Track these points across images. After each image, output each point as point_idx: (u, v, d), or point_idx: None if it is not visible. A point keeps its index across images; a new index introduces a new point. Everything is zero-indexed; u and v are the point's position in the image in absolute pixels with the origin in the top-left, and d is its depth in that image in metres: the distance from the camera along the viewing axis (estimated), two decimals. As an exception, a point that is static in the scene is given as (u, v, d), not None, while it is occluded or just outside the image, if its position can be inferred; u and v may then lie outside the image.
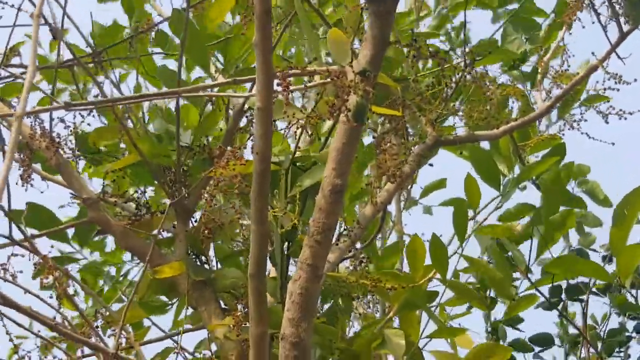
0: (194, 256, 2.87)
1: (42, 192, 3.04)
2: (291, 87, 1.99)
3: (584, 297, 3.91)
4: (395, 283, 2.82)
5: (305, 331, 2.26)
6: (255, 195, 2.15)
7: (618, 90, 3.04)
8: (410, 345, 2.82)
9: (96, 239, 3.34)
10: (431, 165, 4.29)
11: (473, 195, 2.96)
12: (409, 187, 4.27)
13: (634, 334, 4.12)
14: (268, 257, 2.84)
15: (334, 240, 2.42)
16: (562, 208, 3.13)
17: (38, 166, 3.18)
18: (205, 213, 2.52)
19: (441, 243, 2.78)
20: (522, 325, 3.99)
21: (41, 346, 2.60)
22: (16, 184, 2.89)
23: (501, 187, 3.18)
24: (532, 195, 3.83)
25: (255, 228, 2.18)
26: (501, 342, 3.88)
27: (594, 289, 3.99)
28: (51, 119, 2.92)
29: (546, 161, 3.15)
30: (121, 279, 3.47)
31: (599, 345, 3.89)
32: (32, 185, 2.88)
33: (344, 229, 2.48)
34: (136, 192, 2.96)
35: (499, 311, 3.90)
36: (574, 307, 4.16)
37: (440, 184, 4.22)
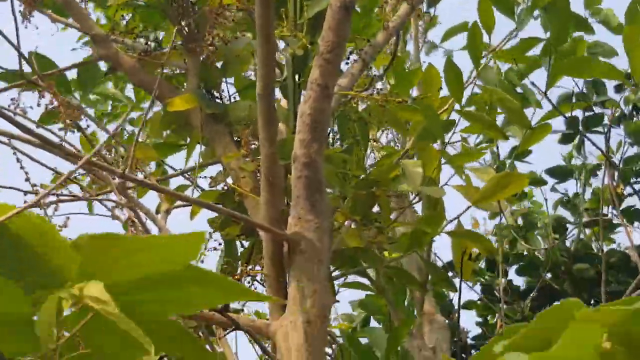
0: (205, 91, 2.84)
1: (52, 35, 3.00)
2: None
3: (599, 128, 3.86)
4: (411, 115, 2.79)
5: (316, 152, 2.24)
6: (259, 10, 2.10)
7: None
8: (426, 176, 2.81)
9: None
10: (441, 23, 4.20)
11: (487, 19, 2.89)
12: (427, 28, 4.20)
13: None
14: (279, 89, 2.83)
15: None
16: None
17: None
18: (210, 44, 2.47)
19: (456, 67, 2.73)
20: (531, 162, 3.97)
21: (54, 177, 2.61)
22: (25, 27, 2.87)
23: (515, 16, 3.11)
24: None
25: (261, 46, 2.14)
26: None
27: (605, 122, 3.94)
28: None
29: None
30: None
31: (616, 174, 3.86)
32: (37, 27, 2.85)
33: (355, 49, 2.42)
34: (146, 28, 2.91)
35: (507, 149, 3.89)
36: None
37: (463, 27, 4.13)
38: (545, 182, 4.12)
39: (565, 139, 3.97)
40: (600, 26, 3.65)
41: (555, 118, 3.29)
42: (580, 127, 3.83)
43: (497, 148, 3.73)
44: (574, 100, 3.83)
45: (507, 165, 3.73)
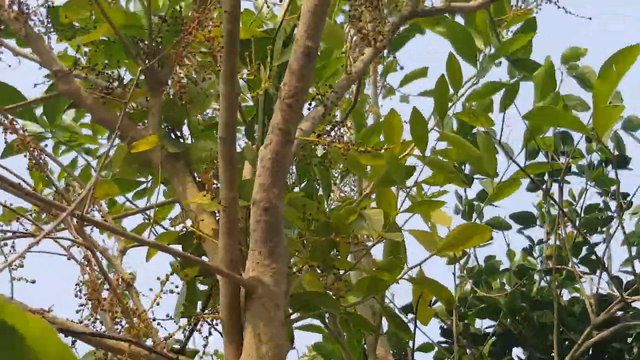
0: (167, 130, 2.83)
1: (10, 66, 2.97)
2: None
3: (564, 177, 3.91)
4: (372, 160, 2.80)
5: (276, 197, 2.23)
6: (225, 55, 2.10)
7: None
8: (387, 221, 2.81)
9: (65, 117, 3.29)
10: (402, 68, 4.26)
11: (455, 74, 2.92)
12: (385, 72, 4.24)
13: (615, 214, 4.14)
14: (244, 131, 2.83)
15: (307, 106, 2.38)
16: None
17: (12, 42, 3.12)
18: (179, 81, 2.47)
19: (422, 117, 2.75)
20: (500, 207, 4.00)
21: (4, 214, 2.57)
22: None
23: (477, 64, 3.15)
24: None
25: (225, 89, 2.14)
26: (477, 221, 3.90)
27: (573, 169, 4.00)
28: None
29: (521, 38, 3.12)
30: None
31: (577, 221, 3.90)
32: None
33: (317, 94, 2.43)
34: (107, 65, 2.89)
35: (473, 192, 3.91)
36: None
37: (422, 73, 4.18)
38: (509, 227, 4.16)
39: (532, 188, 4.02)
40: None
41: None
42: (546, 177, 3.87)
43: (465, 190, 3.76)
44: (540, 154, 3.89)
45: (474, 208, 3.76)
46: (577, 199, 4.24)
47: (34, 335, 0.73)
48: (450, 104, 3.12)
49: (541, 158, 3.96)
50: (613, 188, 4.40)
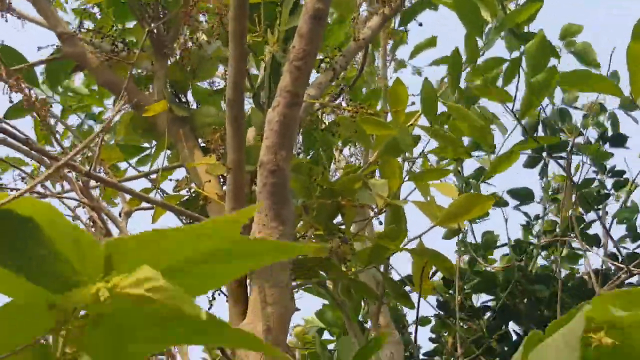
0: (173, 95, 2.82)
1: (18, 31, 2.96)
2: None
3: (564, 154, 3.91)
4: (377, 130, 2.79)
5: (283, 159, 2.23)
6: (234, 16, 2.09)
7: None
8: (391, 191, 2.82)
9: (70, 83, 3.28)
10: (420, 24, 4.25)
11: (472, 50, 2.92)
12: (395, 46, 4.23)
13: (612, 191, 4.15)
14: (252, 98, 2.82)
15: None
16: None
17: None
18: (185, 45, 2.46)
19: (432, 86, 2.75)
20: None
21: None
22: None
23: (483, 36, 3.14)
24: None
25: (234, 51, 2.13)
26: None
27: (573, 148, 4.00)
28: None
29: (527, 8, 3.11)
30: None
31: (573, 197, 3.91)
32: (6, 20, 2.81)
33: (326, 58, 2.42)
34: (113, 27, 2.88)
35: (470, 168, 3.92)
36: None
37: (431, 42, 4.17)
38: (507, 204, 4.16)
39: (530, 163, 4.02)
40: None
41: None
42: (545, 153, 3.87)
43: (462, 167, 3.76)
44: (540, 127, 3.89)
45: (471, 185, 3.76)
46: (573, 174, 4.25)
47: (47, 220, 0.74)
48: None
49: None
50: (609, 166, 4.41)
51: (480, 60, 3.18)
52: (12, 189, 2.44)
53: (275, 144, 2.22)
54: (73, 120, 3.41)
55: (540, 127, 4.05)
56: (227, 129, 2.23)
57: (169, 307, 0.70)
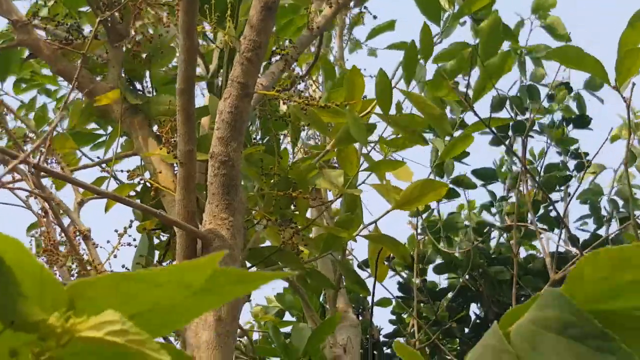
0: (128, 82, 2.81)
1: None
2: None
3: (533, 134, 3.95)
4: (334, 118, 2.80)
5: (234, 151, 2.24)
6: (184, 8, 2.09)
7: None
8: (347, 179, 2.83)
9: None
10: (375, 17, 4.25)
11: (426, 43, 2.92)
12: (352, 26, 4.23)
13: (574, 173, 4.19)
14: (206, 85, 2.82)
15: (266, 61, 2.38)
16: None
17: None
18: (136, 35, 2.45)
19: (387, 77, 2.75)
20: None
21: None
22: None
23: (441, 23, 3.15)
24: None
25: (184, 42, 2.12)
26: (445, 177, 3.92)
27: (535, 128, 4.03)
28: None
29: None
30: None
31: (537, 179, 3.94)
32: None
33: (277, 48, 2.42)
34: (68, 16, 2.86)
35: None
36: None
37: (389, 25, 4.18)
38: (474, 186, 4.19)
39: (496, 142, 4.04)
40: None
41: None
42: (510, 132, 3.89)
43: (434, 145, 3.77)
44: (507, 104, 3.90)
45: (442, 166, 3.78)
46: (537, 157, 4.28)
47: (10, 255, 0.72)
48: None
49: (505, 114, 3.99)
50: (573, 147, 4.45)
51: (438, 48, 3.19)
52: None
53: (227, 135, 2.23)
54: (27, 97, 3.38)
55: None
56: (177, 119, 2.23)
57: (131, 350, 0.70)
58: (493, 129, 3.27)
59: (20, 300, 0.73)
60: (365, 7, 4.32)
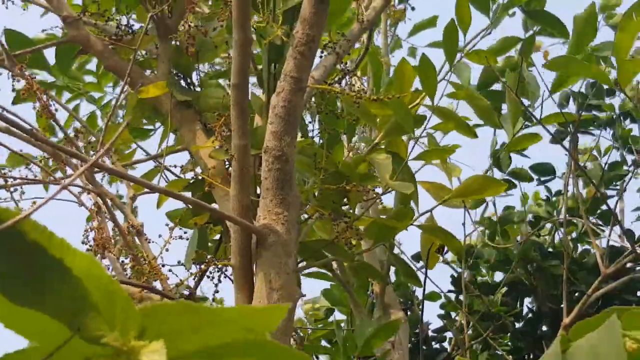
0: (177, 77, 2.81)
1: (21, 13, 2.95)
2: None
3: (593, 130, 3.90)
4: (382, 110, 2.78)
5: (288, 145, 2.22)
6: (236, 2, 2.08)
7: None
8: (397, 168, 2.80)
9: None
10: (413, 8, 4.19)
11: (464, 16, 2.88)
12: (394, 23, 4.20)
13: (631, 168, 4.11)
14: (256, 79, 2.81)
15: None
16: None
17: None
18: (188, 28, 2.44)
19: (431, 63, 2.72)
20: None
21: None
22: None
23: (491, 14, 3.11)
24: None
25: (238, 36, 2.11)
26: (502, 170, 3.87)
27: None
28: None
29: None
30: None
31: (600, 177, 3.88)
32: (13, 3, 2.81)
33: (329, 42, 2.41)
34: (118, 11, 2.86)
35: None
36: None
37: (431, 22, 4.13)
38: (532, 180, 4.13)
39: (555, 139, 3.99)
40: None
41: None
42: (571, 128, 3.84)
43: (495, 135, 3.72)
44: (571, 100, 3.86)
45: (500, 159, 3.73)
46: (602, 154, 4.21)
47: (80, 268, 0.72)
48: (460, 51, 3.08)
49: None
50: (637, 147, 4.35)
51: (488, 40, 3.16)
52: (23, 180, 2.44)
53: (280, 130, 2.21)
54: (72, 105, 3.40)
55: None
56: (231, 113, 2.22)
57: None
58: (548, 128, 3.22)
59: (87, 310, 0.73)
60: (408, 3, 4.29)
